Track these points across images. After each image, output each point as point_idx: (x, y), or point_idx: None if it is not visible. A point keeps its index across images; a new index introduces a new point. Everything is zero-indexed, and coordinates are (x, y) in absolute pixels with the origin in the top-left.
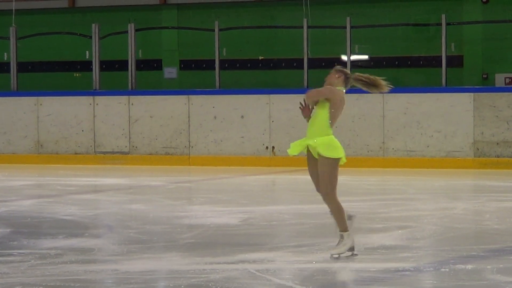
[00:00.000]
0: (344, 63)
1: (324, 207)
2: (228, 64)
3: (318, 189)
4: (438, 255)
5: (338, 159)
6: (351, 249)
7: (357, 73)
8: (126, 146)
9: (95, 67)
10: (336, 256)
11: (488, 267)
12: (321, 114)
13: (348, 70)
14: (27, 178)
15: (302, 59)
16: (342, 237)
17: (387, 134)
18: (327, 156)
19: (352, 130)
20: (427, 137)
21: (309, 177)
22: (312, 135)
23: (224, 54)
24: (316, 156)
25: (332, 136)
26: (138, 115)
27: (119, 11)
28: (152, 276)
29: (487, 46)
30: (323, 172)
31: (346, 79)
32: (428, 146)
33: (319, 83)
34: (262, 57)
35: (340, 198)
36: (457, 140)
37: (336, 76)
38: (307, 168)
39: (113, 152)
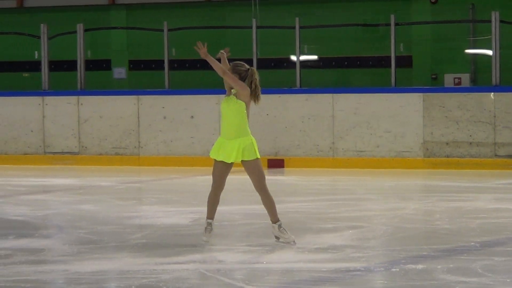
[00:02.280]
0: (293, 63)
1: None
2: (177, 64)
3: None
4: (389, 255)
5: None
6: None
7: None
8: (75, 147)
9: (44, 67)
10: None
11: (438, 267)
12: (238, 115)
13: (243, 64)
14: None
15: (251, 60)
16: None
17: (337, 135)
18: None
19: (302, 131)
20: (377, 138)
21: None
22: (233, 136)
23: (174, 54)
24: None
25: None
26: (88, 116)
27: (67, 11)
28: (102, 277)
29: (436, 47)
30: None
31: (244, 75)
32: (378, 147)
33: (268, 83)
34: None
35: (290, 199)
36: (407, 140)
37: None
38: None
39: (62, 153)
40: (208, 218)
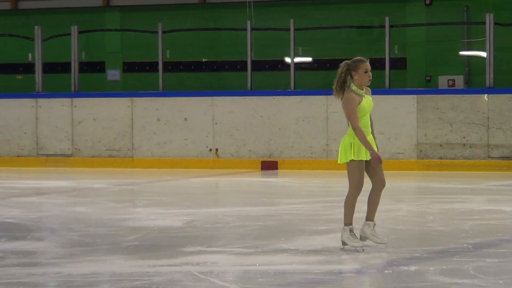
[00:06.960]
0: (287, 65)
1: (267, 209)
2: (171, 66)
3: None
4: (382, 256)
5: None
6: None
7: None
8: (69, 149)
9: (38, 69)
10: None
11: (431, 268)
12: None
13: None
14: None
15: (246, 61)
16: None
17: (330, 136)
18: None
19: (295, 132)
20: None
21: (252, 179)
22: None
23: (168, 56)
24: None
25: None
26: (81, 118)
27: (62, 13)
28: (95, 279)
29: (430, 49)
30: None
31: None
32: None
33: (262, 85)
34: (205, 59)
35: (284, 200)
36: (401, 142)
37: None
38: (249, 170)
39: (56, 155)
40: (351, 224)
